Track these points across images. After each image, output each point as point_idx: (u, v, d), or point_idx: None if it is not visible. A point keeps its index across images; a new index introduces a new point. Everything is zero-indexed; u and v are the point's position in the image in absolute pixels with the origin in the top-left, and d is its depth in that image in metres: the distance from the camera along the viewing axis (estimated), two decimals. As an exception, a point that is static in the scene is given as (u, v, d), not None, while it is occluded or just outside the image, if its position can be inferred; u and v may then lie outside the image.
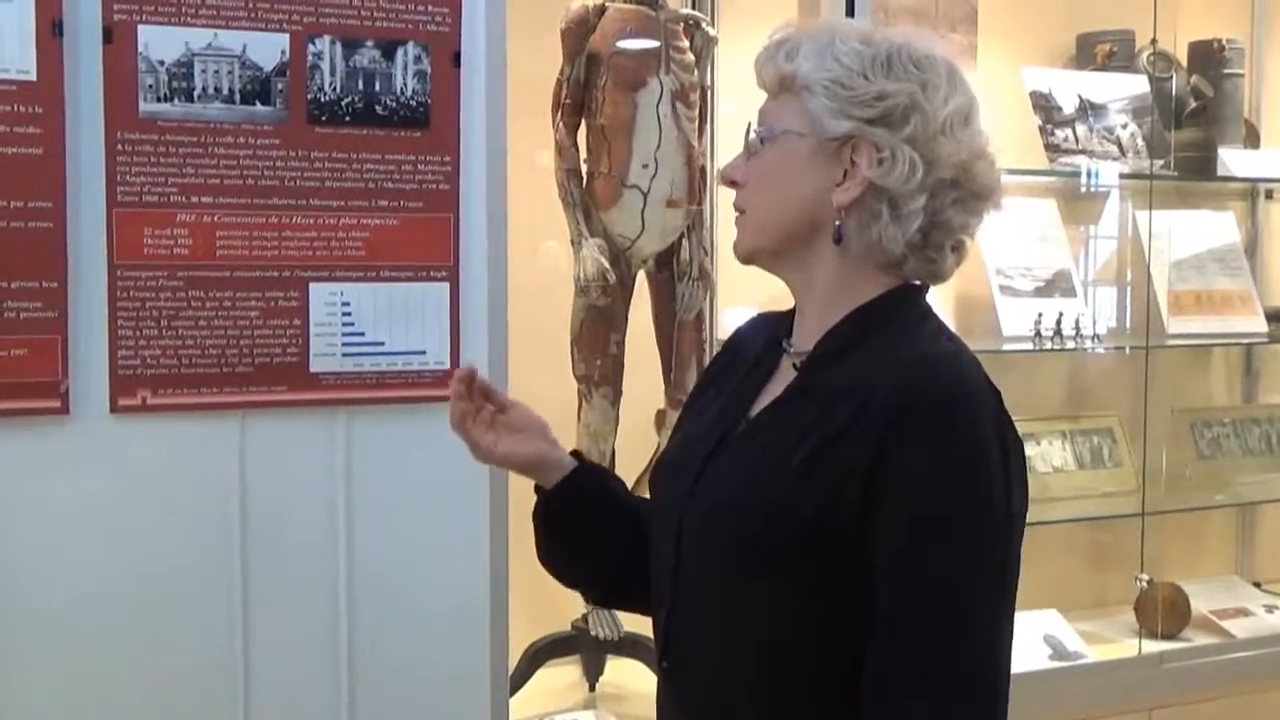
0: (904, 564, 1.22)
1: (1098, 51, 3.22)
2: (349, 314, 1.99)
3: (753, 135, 1.38)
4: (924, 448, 1.22)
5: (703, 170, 2.62)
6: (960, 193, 1.33)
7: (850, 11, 2.46)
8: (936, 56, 1.35)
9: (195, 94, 1.89)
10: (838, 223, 1.33)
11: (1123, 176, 3.16)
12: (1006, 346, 3.03)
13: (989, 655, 1.23)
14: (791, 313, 1.45)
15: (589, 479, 1.53)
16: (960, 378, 1.27)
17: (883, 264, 1.35)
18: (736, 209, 1.41)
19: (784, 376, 1.39)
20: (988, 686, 1.23)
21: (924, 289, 1.39)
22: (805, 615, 1.27)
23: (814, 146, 1.33)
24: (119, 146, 1.86)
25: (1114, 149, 3.15)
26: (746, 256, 1.41)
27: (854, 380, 1.28)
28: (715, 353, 2.45)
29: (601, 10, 2.49)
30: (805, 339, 1.38)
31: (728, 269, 2.79)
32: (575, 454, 1.54)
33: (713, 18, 2.76)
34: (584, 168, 2.52)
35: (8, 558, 1.85)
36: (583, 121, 2.52)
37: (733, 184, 1.41)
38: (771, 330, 1.47)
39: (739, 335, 1.55)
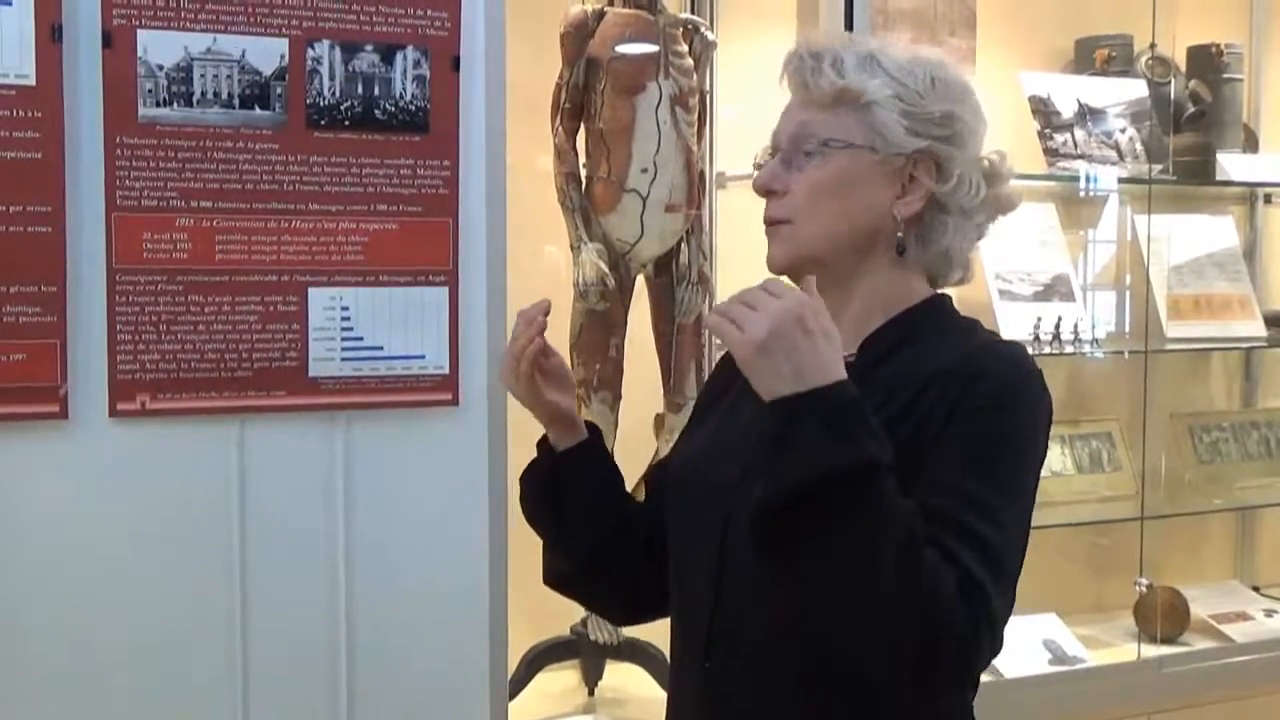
0: (959, 441, 1.27)
1: (1096, 56, 3.22)
2: (348, 318, 1.99)
3: (801, 146, 1.39)
4: (986, 411, 1.28)
5: (702, 175, 2.63)
6: (995, 208, 1.43)
7: (849, 15, 2.47)
8: (965, 80, 1.43)
9: (194, 98, 1.89)
10: (900, 234, 1.39)
11: (1121, 181, 3.15)
12: (1005, 351, 3.02)
13: (1016, 554, 1.30)
14: None
15: (604, 451, 1.57)
16: (1029, 364, 1.35)
17: (932, 273, 1.43)
18: (777, 219, 1.41)
19: None
20: (1012, 570, 1.29)
21: (951, 298, 1.46)
22: None
23: (879, 161, 1.37)
24: (118, 151, 1.86)
25: (1113, 153, 3.15)
26: (789, 266, 1.41)
27: (913, 367, 1.33)
28: (718, 357, 2.42)
29: (600, 15, 2.49)
30: (843, 340, 1.39)
31: (726, 273, 2.79)
32: (589, 424, 1.57)
33: (712, 22, 2.77)
34: (583, 172, 2.53)
35: (7, 562, 1.85)
36: (582, 126, 2.52)
37: (770, 193, 1.41)
38: None
39: None
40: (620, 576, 1.56)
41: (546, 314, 1.49)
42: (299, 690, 2.00)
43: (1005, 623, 1.26)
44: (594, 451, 1.55)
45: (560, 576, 1.61)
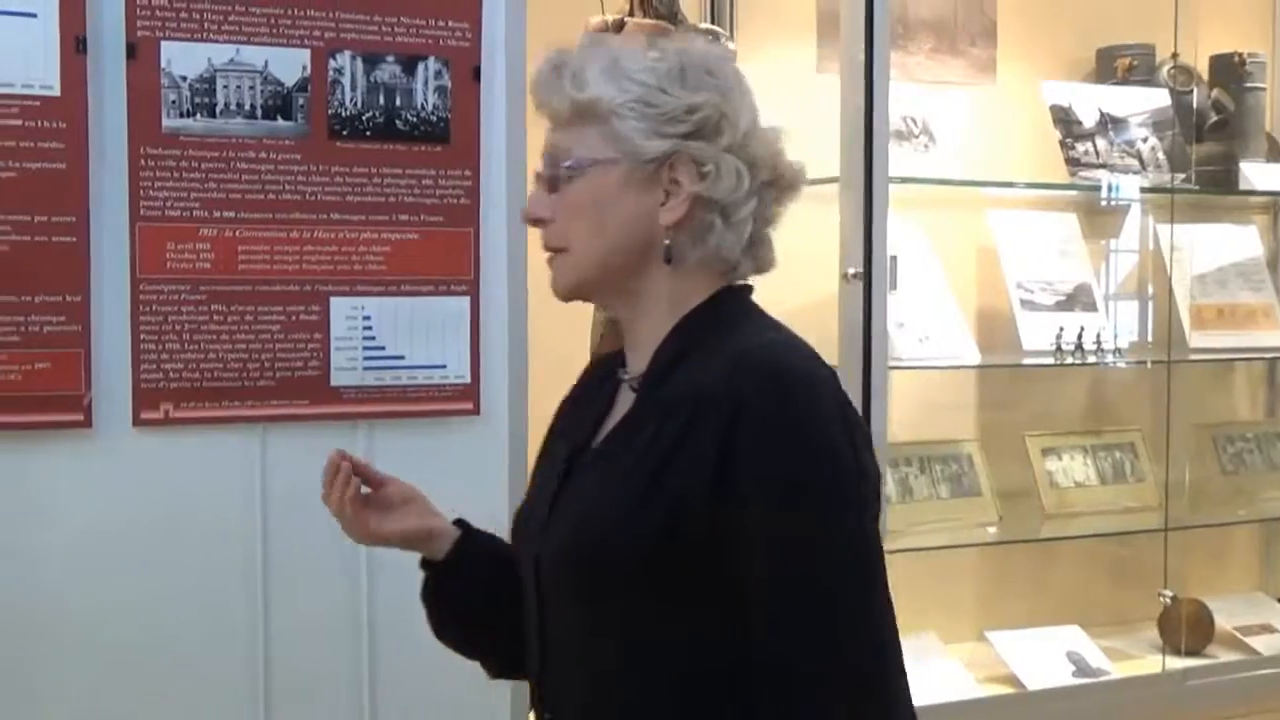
0: (769, 554, 1.20)
1: (1118, 65, 3.21)
2: (370, 328, 1.99)
3: (556, 169, 1.32)
4: (764, 440, 1.20)
5: (722, 184, 2.62)
6: (778, 189, 1.35)
7: (869, 25, 2.46)
8: (725, 60, 1.36)
9: (217, 109, 1.90)
10: (667, 242, 1.32)
11: (1144, 190, 3.15)
12: (1027, 361, 3.02)
13: (874, 646, 1.21)
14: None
15: (479, 544, 1.50)
16: (783, 363, 1.25)
17: (716, 272, 1.35)
18: (549, 248, 1.35)
19: (624, 403, 1.37)
20: (881, 680, 1.21)
21: (748, 288, 1.39)
22: (673, 635, 1.25)
23: (628, 171, 1.30)
24: (142, 161, 1.87)
25: (1135, 163, 3.14)
26: (569, 293, 1.37)
27: (683, 391, 1.27)
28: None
29: (620, 25, 2.49)
30: (639, 361, 1.36)
31: (755, 280, 2.78)
32: (459, 522, 1.50)
33: (731, 31, 2.77)
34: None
35: (32, 570, 1.86)
36: (602, 136, 2.52)
37: (538, 222, 1.35)
38: (609, 364, 1.46)
39: (579, 383, 1.54)
40: None
41: (340, 467, 1.46)
42: (321, 697, 2.00)
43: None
44: (466, 548, 1.48)
45: (504, 668, 1.55)
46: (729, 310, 1.34)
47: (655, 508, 1.22)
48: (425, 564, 1.49)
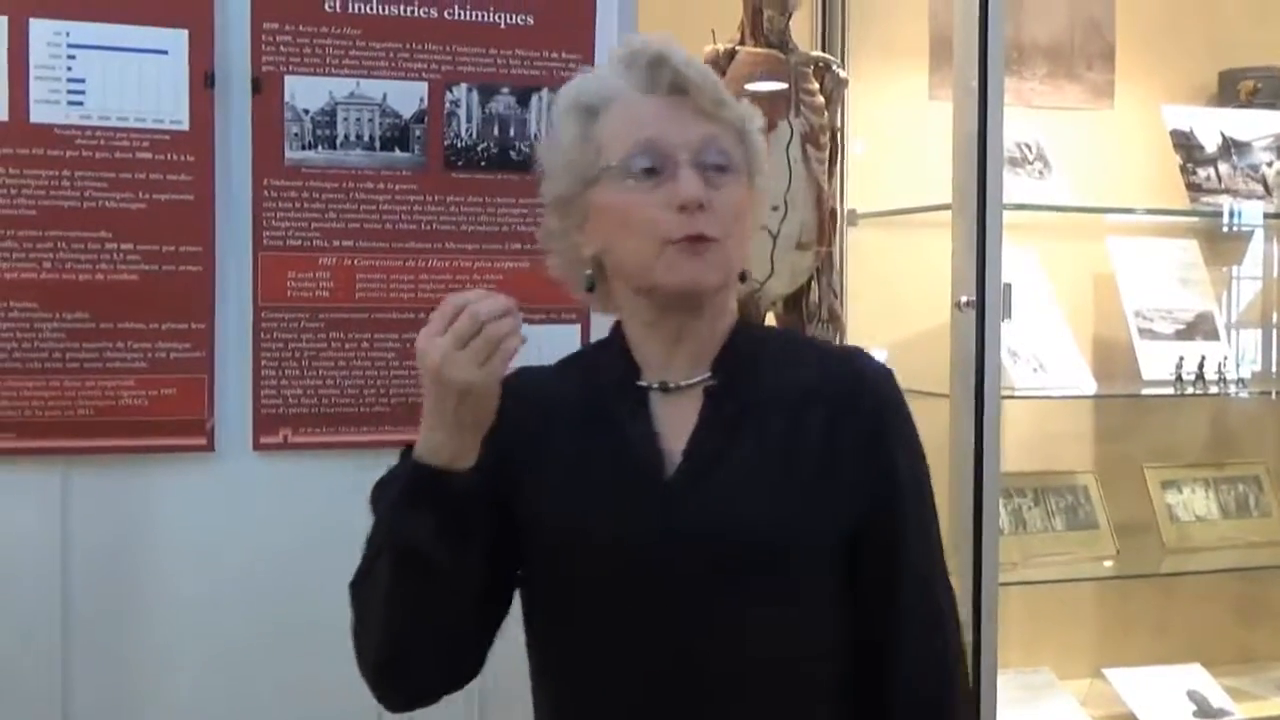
0: (917, 531, 1.37)
1: (1241, 88, 3.14)
2: (482, 355, 2.02)
3: (722, 160, 1.31)
4: (904, 432, 1.38)
5: (832, 212, 2.61)
6: None
7: (983, 49, 2.43)
8: None
9: (338, 141, 1.95)
10: None
11: (1268, 216, 3.07)
12: (1146, 391, 2.95)
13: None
14: (568, 362, 1.49)
15: None
16: (884, 364, 1.41)
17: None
18: (709, 237, 1.28)
19: (678, 409, 1.35)
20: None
21: None
22: (834, 616, 1.34)
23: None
24: (265, 193, 1.92)
25: (1259, 188, 3.06)
26: (719, 286, 1.33)
27: (796, 384, 1.36)
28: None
29: (732, 54, 2.50)
30: (685, 366, 1.36)
31: (857, 311, 2.77)
32: None
33: (843, 60, 2.76)
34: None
35: (156, 589, 1.91)
36: (712, 164, 2.53)
37: (700, 208, 1.28)
38: (565, 383, 1.44)
39: (526, 391, 1.40)
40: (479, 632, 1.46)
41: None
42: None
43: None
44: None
45: (422, 644, 1.42)
46: (748, 319, 1.52)
47: (837, 504, 1.32)
48: (436, 469, 1.31)
